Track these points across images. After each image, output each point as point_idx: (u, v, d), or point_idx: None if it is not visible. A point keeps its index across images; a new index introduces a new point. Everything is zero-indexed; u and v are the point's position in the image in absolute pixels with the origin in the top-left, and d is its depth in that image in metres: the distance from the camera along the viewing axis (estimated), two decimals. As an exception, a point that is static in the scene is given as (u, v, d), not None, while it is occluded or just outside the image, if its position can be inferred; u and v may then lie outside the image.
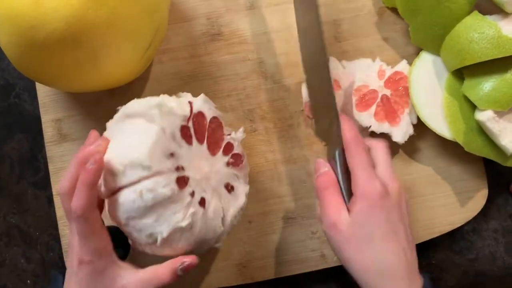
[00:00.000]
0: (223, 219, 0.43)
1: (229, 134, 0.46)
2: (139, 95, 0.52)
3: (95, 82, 0.45)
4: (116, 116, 0.43)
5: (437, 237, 0.52)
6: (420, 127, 0.51)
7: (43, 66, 0.42)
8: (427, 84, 0.50)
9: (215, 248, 0.48)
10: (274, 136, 0.52)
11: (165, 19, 0.47)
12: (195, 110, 0.43)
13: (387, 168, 0.42)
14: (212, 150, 0.44)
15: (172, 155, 0.40)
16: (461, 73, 0.49)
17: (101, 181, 0.40)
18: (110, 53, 0.42)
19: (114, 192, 0.40)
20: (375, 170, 0.42)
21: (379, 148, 0.43)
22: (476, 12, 0.47)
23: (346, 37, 0.53)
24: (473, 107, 0.48)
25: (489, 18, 0.47)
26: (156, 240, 0.40)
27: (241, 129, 0.46)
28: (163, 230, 0.39)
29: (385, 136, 0.49)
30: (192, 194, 0.41)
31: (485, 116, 0.46)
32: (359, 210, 0.40)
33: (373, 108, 0.49)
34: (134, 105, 0.42)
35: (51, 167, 0.51)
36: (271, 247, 0.51)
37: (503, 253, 0.55)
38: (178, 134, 0.41)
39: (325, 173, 0.43)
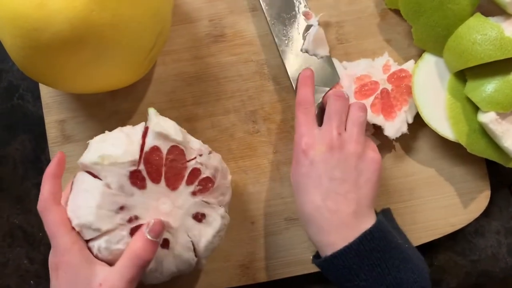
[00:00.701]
0: (195, 249, 0.43)
1: (194, 158, 0.43)
2: (142, 96, 0.52)
3: (98, 83, 0.45)
4: (79, 160, 0.42)
5: (439, 238, 0.52)
6: (422, 128, 0.51)
7: (47, 68, 0.42)
8: (430, 85, 0.50)
9: (216, 250, 0.48)
10: (276, 137, 0.52)
11: (168, 21, 0.47)
12: (146, 148, 0.41)
13: (324, 124, 0.46)
14: (172, 185, 0.42)
15: (122, 208, 0.40)
16: (463, 75, 0.49)
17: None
18: (114, 55, 0.42)
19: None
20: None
21: (328, 103, 0.46)
22: (478, 13, 0.47)
23: (349, 39, 0.53)
24: (476, 108, 0.48)
25: (492, 20, 0.47)
26: None
27: (207, 151, 0.44)
28: None
29: (378, 128, 0.50)
30: None
31: (487, 117, 0.46)
32: (292, 165, 0.46)
33: (371, 99, 0.49)
34: (88, 153, 0.41)
35: (54, 168, 0.52)
36: (274, 248, 0.51)
37: (505, 254, 0.55)
38: (127, 183, 0.40)
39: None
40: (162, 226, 0.40)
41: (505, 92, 0.46)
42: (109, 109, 0.52)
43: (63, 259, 0.38)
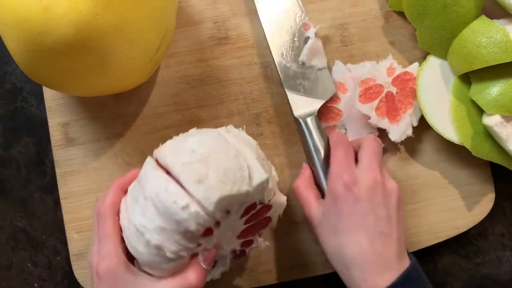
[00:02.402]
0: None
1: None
2: (145, 99, 0.52)
3: (102, 86, 0.45)
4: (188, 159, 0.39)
5: (443, 241, 0.52)
6: (427, 131, 0.51)
7: (51, 71, 0.42)
8: (434, 88, 0.50)
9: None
10: (280, 140, 0.52)
11: (172, 24, 0.47)
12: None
13: (365, 162, 0.44)
14: (240, 235, 0.43)
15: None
16: (468, 78, 0.49)
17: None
18: (118, 58, 0.42)
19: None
20: (357, 165, 0.44)
21: (365, 144, 0.45)
22: (483, 16, 0.47)
23: (353, 41, 0.53)
24: (481, 111, 0.48)
25: (497, 23, 0.46)
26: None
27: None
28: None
29: (383, 131, 0.50)
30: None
31: (492, 120, 0.46)
32: (326, 203, 0.44)
33: (375, 102, 0.49)
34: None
35: (58, 171, 0.51)
36: (278, 252, 0.51)
37: (509, 257, 0.55)
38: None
39: (301, 174, 0.48)
40: (215, 254, 0.42)
41: (510, 95, 0.46)
42: (113, 111, 0.52)
43: (106, 266, 0.39)
